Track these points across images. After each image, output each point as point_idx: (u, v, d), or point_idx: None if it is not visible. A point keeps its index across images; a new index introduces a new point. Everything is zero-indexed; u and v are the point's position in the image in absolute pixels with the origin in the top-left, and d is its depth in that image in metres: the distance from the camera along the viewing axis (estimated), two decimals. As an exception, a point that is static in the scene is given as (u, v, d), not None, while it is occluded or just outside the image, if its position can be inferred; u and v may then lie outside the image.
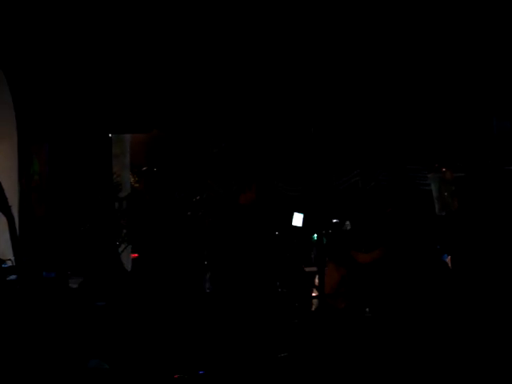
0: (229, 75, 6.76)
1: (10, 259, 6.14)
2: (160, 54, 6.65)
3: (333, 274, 6.53)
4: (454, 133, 7.30)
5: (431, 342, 5.58)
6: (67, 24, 6.36)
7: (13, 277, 5.83)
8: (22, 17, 6.38)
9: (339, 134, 7.50)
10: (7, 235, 5.52)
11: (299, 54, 6.60)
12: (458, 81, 6.61)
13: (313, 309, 6.85)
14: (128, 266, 7.35)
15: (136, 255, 7.59)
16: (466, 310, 5.78)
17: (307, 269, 7.44)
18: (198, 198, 6.98)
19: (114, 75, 6.70)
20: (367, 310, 6.24)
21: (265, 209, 5.80)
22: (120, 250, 7.21)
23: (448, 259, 6.41)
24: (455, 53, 6.47)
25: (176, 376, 5.27)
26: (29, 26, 6.39)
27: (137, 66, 6.71)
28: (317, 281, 6.77)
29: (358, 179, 8.05)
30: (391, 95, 6.73)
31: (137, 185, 8.66)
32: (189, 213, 6.50)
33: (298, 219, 7.51)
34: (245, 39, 6.53)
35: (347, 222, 8.17)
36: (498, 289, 5.79)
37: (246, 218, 5.66)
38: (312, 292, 7.02)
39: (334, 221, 7.81)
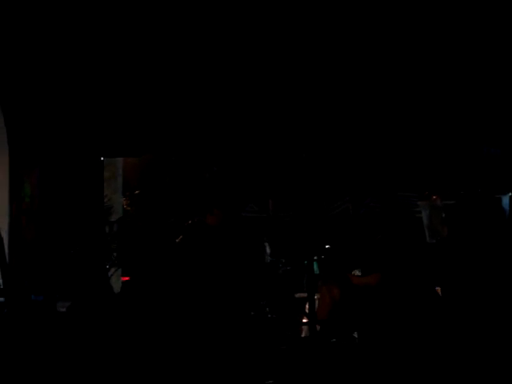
0: (220, 100, 6.79)
1: (-2, 282, 6.11)
2: (150, 78, 6.68)
3: (325, 299, 6.51)
4: (444, 160, 7.32)
5: (421, 370, 5.56)
6: (56, 48, 6.39)
7: (1, 299, 5.81)
8: (11, 42, 6.41)
9: (331, 160, 7.52)
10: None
11: (290, 78, 6.63)
12: (447, 108, 6.64)
13: (302, 335, 6.82)
14: (118, 290, 7.32)
15: (127, 278, 7.57)
16: (457, 337, 5.78)
17: (299, 295, 7.42)
18: (189, 222, 6.96)
19: (106, 99, 6.72)
20: (355, 335, 6.22)
21: (232, 231, 5.85)
22: (110, 273, 7.19)
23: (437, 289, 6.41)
24: (444, 79, 6.51)
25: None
26: (19, 51, 6.42)
27: (129, 90, 6.73)
28: (307, 307, 6.75)
29: (348, 205, 8.08)
30: (382, 123, 6.76)
31: (128, 208, 8.67)
32: (180, 236, 6.49)
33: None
34: (234, 62, 6.57)
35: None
36: (488, 316, 5.79)
37: (211, 241, 5.72)
38: (302, 318, 6.99)
39: (327, 246, 7.81)
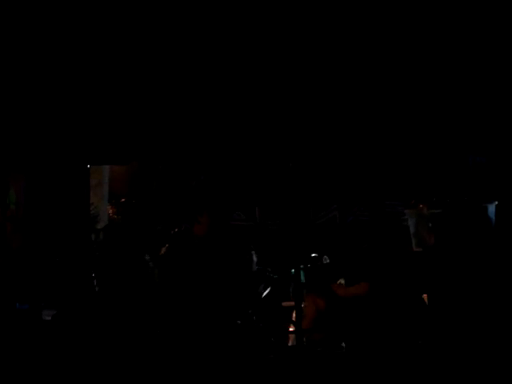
0: (207, 108, 6.79)
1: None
2: (137, 86, 6.67)
3: (310, 308, 6.51)
4: (430, 169, 7.36)
5: (410, 378, 5.57)
6: (42, 55, 6.36)
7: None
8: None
9: (318, 168, 7.54)
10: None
11: (276, 86, 6.65)
12: (432, 118, 6.68)
13: (289, 344, 6.81)
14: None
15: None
16: (443, 346, 5.80)
17: (286, 303, 7.42)
18: (176, 230, 6.94)
19: (93, 106, 6.70)
20: (343, 344, 6.22)
21: (220, 240, 5.86)
22: (95, 282, 7.14)
23: (424, 296, 6.43)
24: (428, 88, 6.55)
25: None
26: (2, 57, 6.38)
27: (115, 98, 6.72)
28: (294, 315, 6.75)
29: (335, 214, 8.10)
30: (368, 132, 6.79)
31: (115, 216, 8.62)
32: (166, 245, 6.47)
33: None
34: (220, 70, 6.57)
35: (325, 257, 8.18)
36: (474, 324, 5.82)
37: (198, 250, 5.74)
38: (289, 327, 6.99)
39: (313, 255, 7.82)
